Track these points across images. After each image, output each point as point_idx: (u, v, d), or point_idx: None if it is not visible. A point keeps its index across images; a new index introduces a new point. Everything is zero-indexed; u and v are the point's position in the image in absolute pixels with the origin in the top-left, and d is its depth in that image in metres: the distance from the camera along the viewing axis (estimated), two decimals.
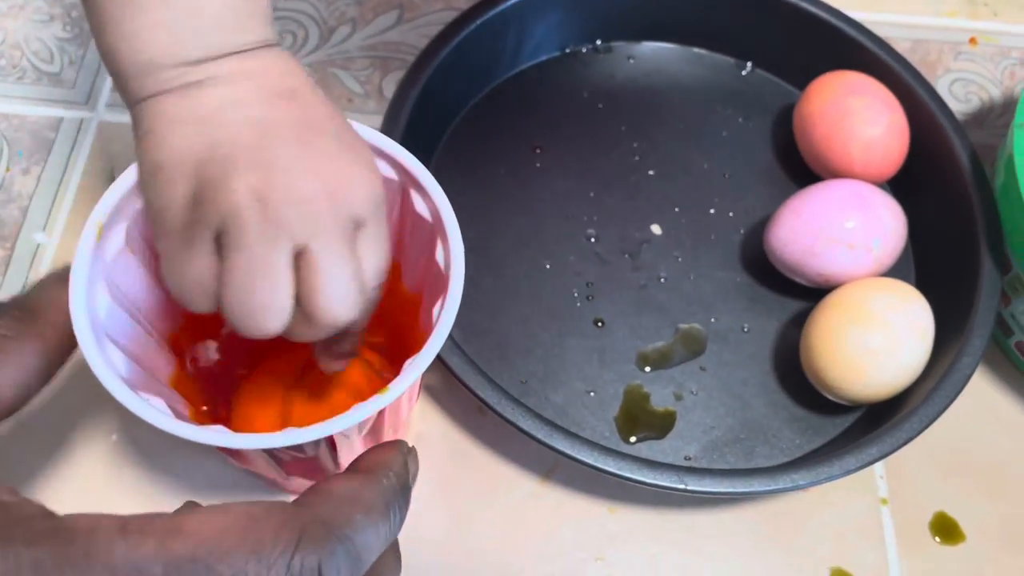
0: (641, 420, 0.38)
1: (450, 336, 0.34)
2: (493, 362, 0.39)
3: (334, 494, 0.20)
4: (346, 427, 0.23)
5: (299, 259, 0.23)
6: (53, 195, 0.43)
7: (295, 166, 0.23)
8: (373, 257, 0.25)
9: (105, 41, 0.25)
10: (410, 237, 0.30)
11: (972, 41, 0.51)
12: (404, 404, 0.30)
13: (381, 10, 0.49)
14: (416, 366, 0.24)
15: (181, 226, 0.24)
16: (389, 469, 0.22)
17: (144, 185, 0.25)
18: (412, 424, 0.37)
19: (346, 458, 0.28)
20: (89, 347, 0.23)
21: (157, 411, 0.23)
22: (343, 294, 0.23)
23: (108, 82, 0.46)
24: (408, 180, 0.28)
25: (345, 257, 0.24)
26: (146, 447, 0.36)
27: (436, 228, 0.27)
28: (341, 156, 0.24)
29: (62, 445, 0.36)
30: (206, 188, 0.23)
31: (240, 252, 0.23)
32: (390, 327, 0.32)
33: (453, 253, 0.27)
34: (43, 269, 0.41)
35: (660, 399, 0.39)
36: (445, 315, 0.26)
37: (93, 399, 0.37)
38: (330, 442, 0.26)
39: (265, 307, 0.23)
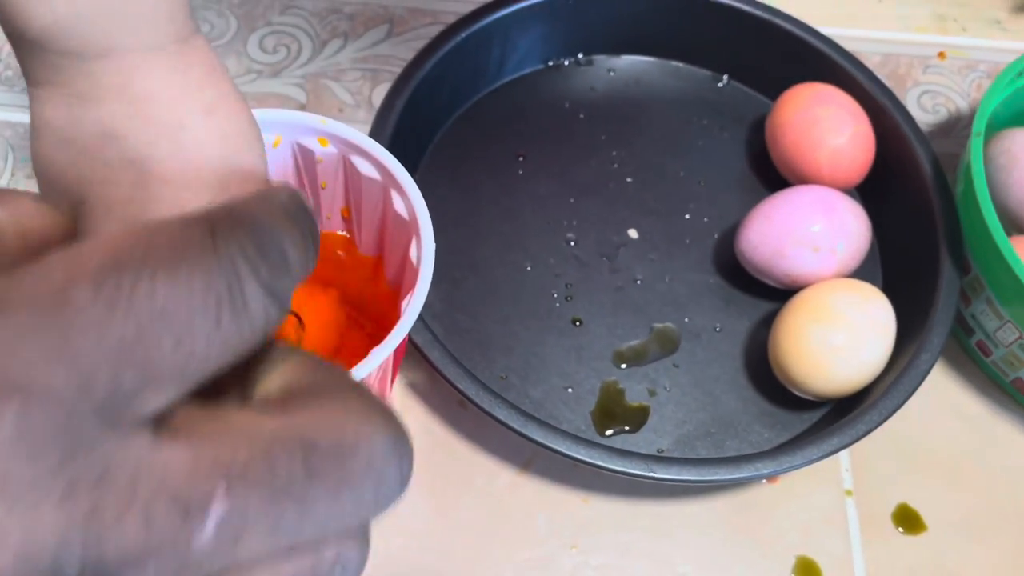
0: (616, 414, 0.40)
1: (433, 333, 0.36)
2: (475, 359, 0.40)
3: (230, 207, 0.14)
4: None
5: None
6: None
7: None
8: None
9: None
10: (391, 235, 0.31)
11: (941, 55, 0.53)
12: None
13: (372, 24, 0.51)
14: (380, 351, 0.26)
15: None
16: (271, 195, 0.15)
17: (39, 185, 0.25)
18: None
19: None
20: None
21: None
22: None
23: None
24: (389, 181, 0.30)
25: None
26: None
27: (412, 225, 0.29)
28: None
29: None
30: (80, 219, 0.23)
31: None
32: (374, 319, 0.34)
33: (424, 246, 0.28)
34: None
35: (634, 395, 0.41)
36: (412, 305, 0.27)
37: None
38: None
39: None
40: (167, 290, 0.12)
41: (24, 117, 0.47)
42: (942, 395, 0.42)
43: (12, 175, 0.45)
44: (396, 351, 0.30)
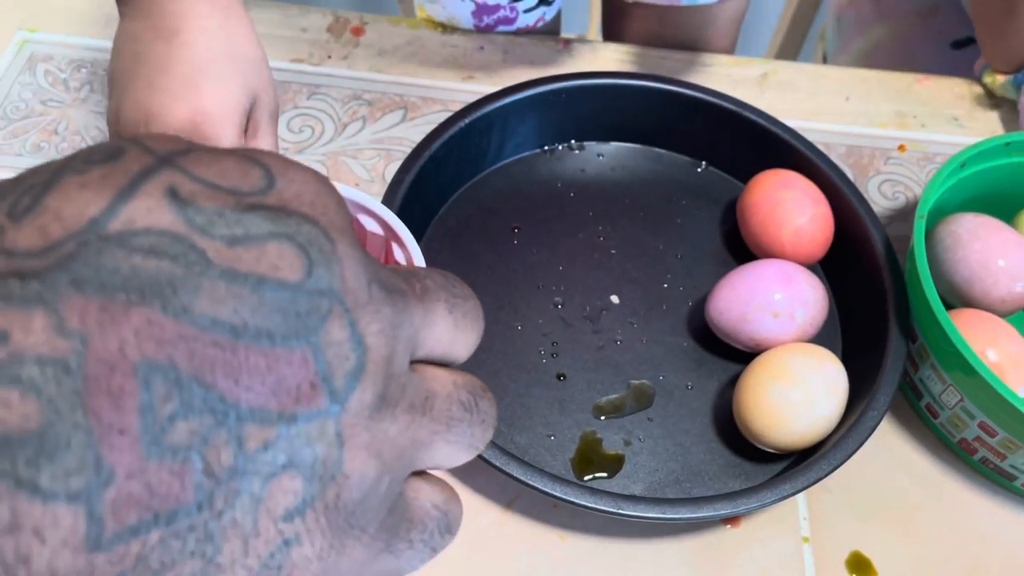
0: (594, 461, 0.44)
1: None
2: None
3: None
4: None
5: None
6: None
7: (138, 96, 0.34)
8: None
9: None
10: None
11: (901, 148, 0.58)
12: None
13: (388, 110, 0.57)
14: None
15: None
16: None
17: None
18: None
19: None
20: None
21: None
22: None
23: None
24: (390, 235, 0.35)
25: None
26: None
27: None
28: (176, 99, 0.34)
29: None
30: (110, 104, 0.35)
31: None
32: None
33: None
34: None
35: (611, 444, 0.44)
36: None
37: None
38: None
39: None
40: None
41: None
42: (895, 453, 0.45)
43: None
44: None
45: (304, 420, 0.13)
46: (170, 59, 0.33)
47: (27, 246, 0.12)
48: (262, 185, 0.14)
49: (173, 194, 0.13)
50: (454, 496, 0.18)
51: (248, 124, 0.39)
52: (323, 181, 0.15)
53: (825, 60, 0.85)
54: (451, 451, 0.17)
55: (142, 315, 0.12)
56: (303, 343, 0.13)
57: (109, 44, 0.59)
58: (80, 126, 0.56)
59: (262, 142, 0.40)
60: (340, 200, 0.16)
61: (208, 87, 0.34)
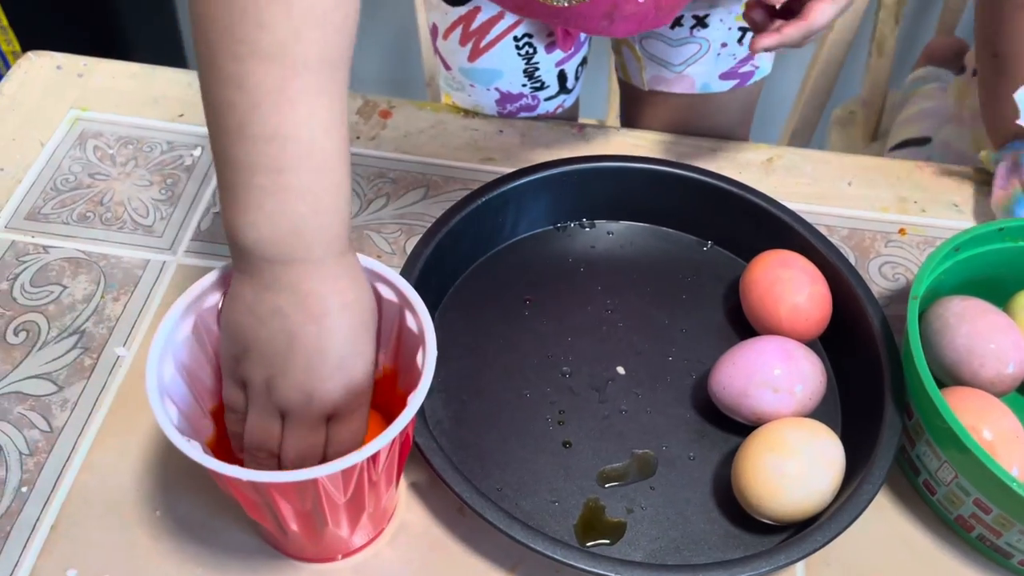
0: (596, 528, 0.45)
1: (439, 444, 0.43)
2: (475, 471, 0.46)
3: None
4: (314, 476, 0.31)
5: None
6: (135, 319, 0.53)
7: (297, 378, 0.36)
8: (343, 434, 0.37)
9: (223, 217, 0.37)
10: (404, 346, 0.39)
11: (902, 231, 0.61)
12: (382, 482, 0.37)
13: (411, 187, 0.61)
14: (381, 439, 0.33)
15: (229, 371, 0.38)
16: None
17: (221, 334, 0.38)
18: (398, 514, 0.45)
19: (332, 516, 0.36)
20: (155, 399, 0.33)
21: (193, 447, 0.32)
22: (293, 457, 0.37)
23: (188, 233, 0.58)
24: (404, 303, 0.37)
25: (303, 438, 0.37)
26: (184, 521, 0.44)
27: (420, 337, 0.37)
28: (331, 379, 0.36)
29: (114, 518, 0.44)
30: (245, 359, 0.37)
31: (251, 410, 0.37)
32: (388, 420, 0.41)
33: (428, 352, 0.35)
34: (120, 376, 0.50)
35: (614, 511, 0.46)
36: (415, 396, 0.34)
37: (143, 482, 0.45)
38: (318, 499, 0.34)
39: (257, 447, 0.37)
40: None
41: (116, 250, 0.57)
42: (895, 528, 0.46)
43: (101, 297, 0.54)
44: (402, 446, 0.37)
45: None
46: (324, 344, 0.35)
47: None
48: None
49: None
50: None
51: None
52: None
53: None
54: None
55: None
56: None
57: (154, 123, 0.64)
58: (123, 198, 0.60)
59: None
60: None
61: (356, 365, 0.36)
